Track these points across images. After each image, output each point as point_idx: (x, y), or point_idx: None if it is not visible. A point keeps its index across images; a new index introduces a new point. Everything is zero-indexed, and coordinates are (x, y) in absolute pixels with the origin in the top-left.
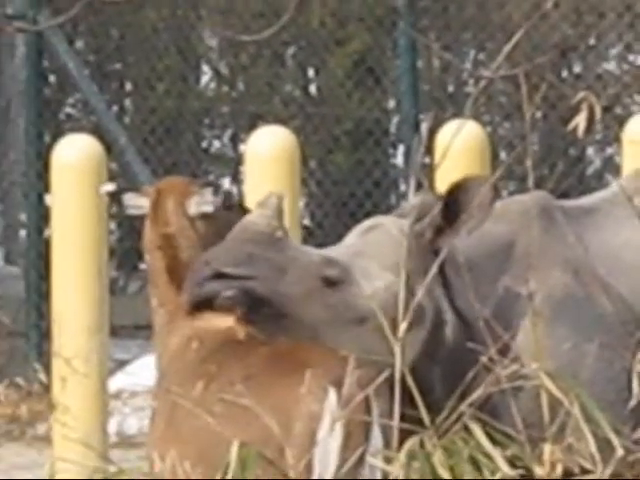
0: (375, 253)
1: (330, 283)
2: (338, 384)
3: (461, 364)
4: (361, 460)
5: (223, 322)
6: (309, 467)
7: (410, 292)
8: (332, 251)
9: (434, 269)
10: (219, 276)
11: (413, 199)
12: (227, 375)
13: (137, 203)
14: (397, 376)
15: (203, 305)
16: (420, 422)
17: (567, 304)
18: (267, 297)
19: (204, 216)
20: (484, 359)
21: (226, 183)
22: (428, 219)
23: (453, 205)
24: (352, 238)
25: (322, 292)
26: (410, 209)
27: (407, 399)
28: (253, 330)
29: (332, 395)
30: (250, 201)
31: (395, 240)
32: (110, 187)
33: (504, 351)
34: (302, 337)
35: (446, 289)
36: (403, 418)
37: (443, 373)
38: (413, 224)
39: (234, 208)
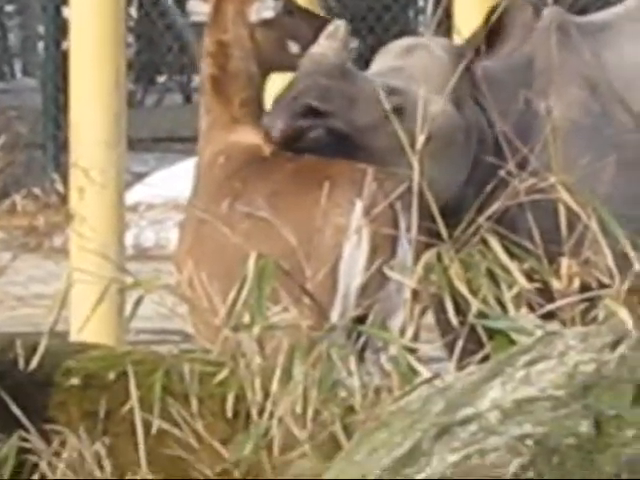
0: (425, 76)
1: (394, 111)
2: (364, 197)
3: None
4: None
5: (251, 138)
6: (334, 281)
7: (460, 113)
8: (386, 76)
9: (452, 82)
10: (307, 111)
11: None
12: (252, 192)
13: (201, 10)
14: (415, 189)
15: (288, 140)
16: (439, 236)
17: (584, 120)
18: (347, 132)
19: (265, 23)
20: (502, 173)
21: None
22: (470, 40)
23: (496, 26)
24: (392, 60)
25: (386, 121)
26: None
27: (427, 213)
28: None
29: (358, 207)
30: None
31: (442, 61)
32: None
33: (523, 165)
34: (373, 165)
35: (482, 108)
36: (425, 232)
37: (475, 193)
38: (459, 46)
39: (295, 13)
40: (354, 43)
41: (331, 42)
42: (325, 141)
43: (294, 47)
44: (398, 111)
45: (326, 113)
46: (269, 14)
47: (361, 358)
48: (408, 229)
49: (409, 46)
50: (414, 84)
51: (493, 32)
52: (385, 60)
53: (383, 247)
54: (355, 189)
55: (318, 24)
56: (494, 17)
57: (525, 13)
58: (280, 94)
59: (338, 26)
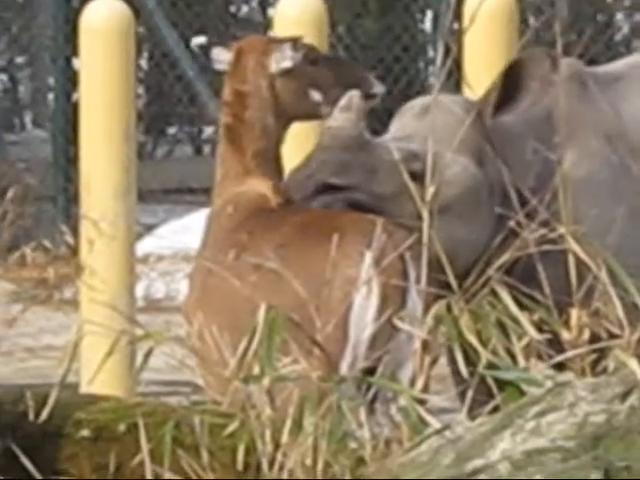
0: (444, 136)
1: (415, 177)
2: (374, 248)
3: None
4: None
5: (260, 189)
6: (344, 332)
7: (482, 171)
8: (406, 140)
9: (458, 138)
10: (324, 188)
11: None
12: (260, 244)
13: (225, 58)
14: (425, 239)
15: None
16: (449, 287)
17: (603, 172)
18: (369, 204)
19: (285, 72)
20: (512, 224)
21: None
22: (489, 95)
23: (513, 80)
24: (410, 121)
25: (409, 187)
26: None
27: (437, 264)
28: None
29: (368, 258)
30: None
31: (460, 120)
32: (201, 39)
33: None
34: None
35: (503, 162)
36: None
37: (502, 247)
38: (476, 103)
39: (318, 61)
40: (380, 88)
41: (346, 114)
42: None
43: (316, 95)
44: (421, 176)
45: (345, 187)
46: (287, 64)
47: (371, 409)
48: (418, 280)
49: (426, 105)
50: (434, 146)
51: (511, 85)
52: (403, 121)
53: (393, 298)
54: (365, 240)
55: (343, 71)
56: (511, 69)
57: (543, 65)
58: (295, 170)
59: (351, 97)
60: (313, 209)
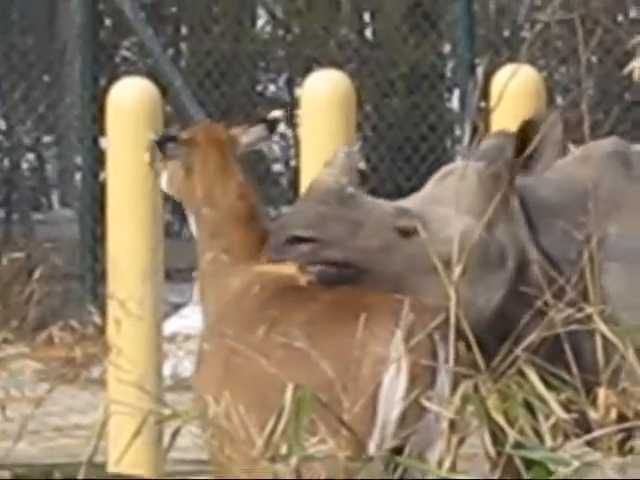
0: (452, 198)
1: (406, 233)
2: (403, 327)
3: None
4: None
5: (285, 268)
6: (373, 411)
7: (490, 234)
8: (407, 201)
9: (492, 203)
10: (294, 240)
11: (486, 141)
12: (289, 320)
13: (177, 153)
14: (452, 320)
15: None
16: (477, 366)
17: None
18: (344, 259)
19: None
20: (539, 303)
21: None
22: (503, 159)
23: (526, 143)
24: (429, 186)
25: (399, 243)
26: (484, 151)
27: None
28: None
29: (397, 337)
30: (305, 145)
31: (471, 184)
32: (152, 136)
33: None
34: (385, 289)
35: (531, 229)
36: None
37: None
38: (488, 165)
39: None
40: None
41: (330, 169)
42: (328, 274)
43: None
44: (410, 233)
45: (318, 240)
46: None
47: None
48: (446, 360)
49: (446, 172)
50: (436, 206)
51: (525, 149)
52: (424, 187)
53: (422, 378)
54: (393, 319)
55: None
56: (524, 134)
57: (556, 130)
58: (275, 222)
59: (338, 152)
60: (342, 288)
